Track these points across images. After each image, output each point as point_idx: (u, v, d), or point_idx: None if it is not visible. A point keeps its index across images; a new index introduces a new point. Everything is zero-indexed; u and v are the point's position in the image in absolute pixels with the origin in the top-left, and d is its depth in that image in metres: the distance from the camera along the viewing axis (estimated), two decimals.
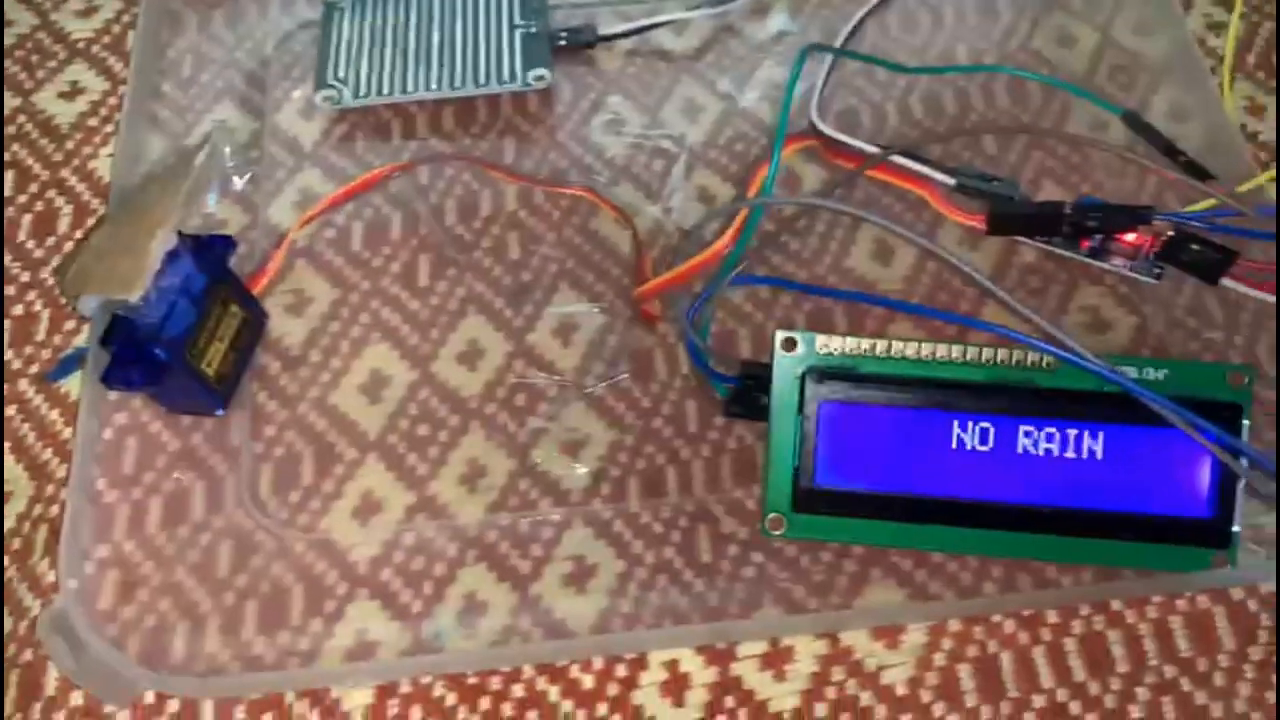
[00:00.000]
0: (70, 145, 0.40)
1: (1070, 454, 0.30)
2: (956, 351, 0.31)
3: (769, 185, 0.33)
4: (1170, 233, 0.35)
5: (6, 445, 0.34)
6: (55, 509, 0.33)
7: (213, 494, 0.33)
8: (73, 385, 0.35)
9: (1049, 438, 0.30)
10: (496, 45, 0.40)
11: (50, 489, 0.33)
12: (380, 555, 0.32)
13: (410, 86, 0.39)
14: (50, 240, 0.38)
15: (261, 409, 0.34)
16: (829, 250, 0.37)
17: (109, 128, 0.40)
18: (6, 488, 0.33)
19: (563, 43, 0.41)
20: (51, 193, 0.39)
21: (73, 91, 0.41)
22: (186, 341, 0.31)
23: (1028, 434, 0.31)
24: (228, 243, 0.33)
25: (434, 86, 0.39)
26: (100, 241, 0.31)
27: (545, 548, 0.32)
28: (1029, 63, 0.41)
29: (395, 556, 0.32)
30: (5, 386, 0.35)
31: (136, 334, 0.31)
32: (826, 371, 0.31)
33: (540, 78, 0.39)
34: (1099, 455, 0.30)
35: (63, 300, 0.36)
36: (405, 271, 0.37)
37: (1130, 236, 0.35)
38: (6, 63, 0.42)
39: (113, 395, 0.34)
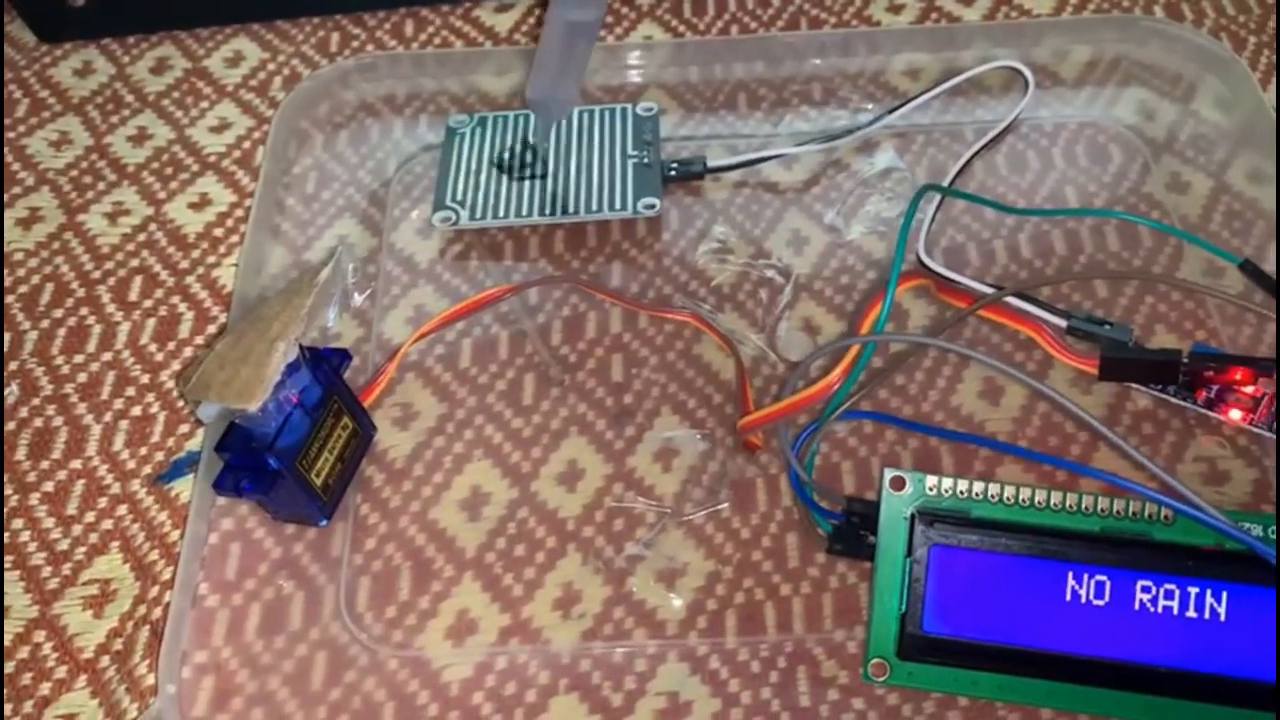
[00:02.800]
0: (196, 254, 0.41)
1: (1191, 613, 0.29)
2: (1071, 499, 0.30)
3: (882, 322, 0.33)
4: None
5: (115, 545, 0.35)
6: (158, 611, 0.33)
7: (311, 604, 0.33)
8: (183, 488, 0.36)
9: (1168, 594, 0.29)
10: (609, 174, 0.41)
11: (155, 590, 0.34)
12: (472, 678, 0.32)
13: (525, 211, 0.40)
14: (170, 345, 0.39)
15: (363, 520, 0.35)
16: (935, 387, 0.36)
17: (234, 238, 0.42)
18: (113, 586, 0.34)
19: (673, 174, 0.42)
20: (175, 299, 0.40)
21: (201, 203, 0.43)
22: (299, 451, 0.32)
23: (1145, 589, 0.30)
24: (344, 356, 0.34)
25: (548, 212, 0.40)
26: (223, 349, 0.32)
27: (639, 680, 0.32)
28: (1140, 207, 0.41)
29: (487, 680, 0.32)
30: (119, 486, 0.36)
31: (251, 442, 0.31)
32: (937, 514, 0.30)
33: (650, 206, 0.40)
34: (1221, 616, 0.29)
35: (180, 404, 0.37)
36: (510, 389, 0.37)
37: (1249, 388, 0.34)
38: (143, 174, 0.44)
39: (221, 500, 0.35)
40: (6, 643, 0.33)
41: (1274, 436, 0.34)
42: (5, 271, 0.41)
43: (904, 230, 0.36)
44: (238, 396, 0.31)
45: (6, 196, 0.43)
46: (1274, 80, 0.45)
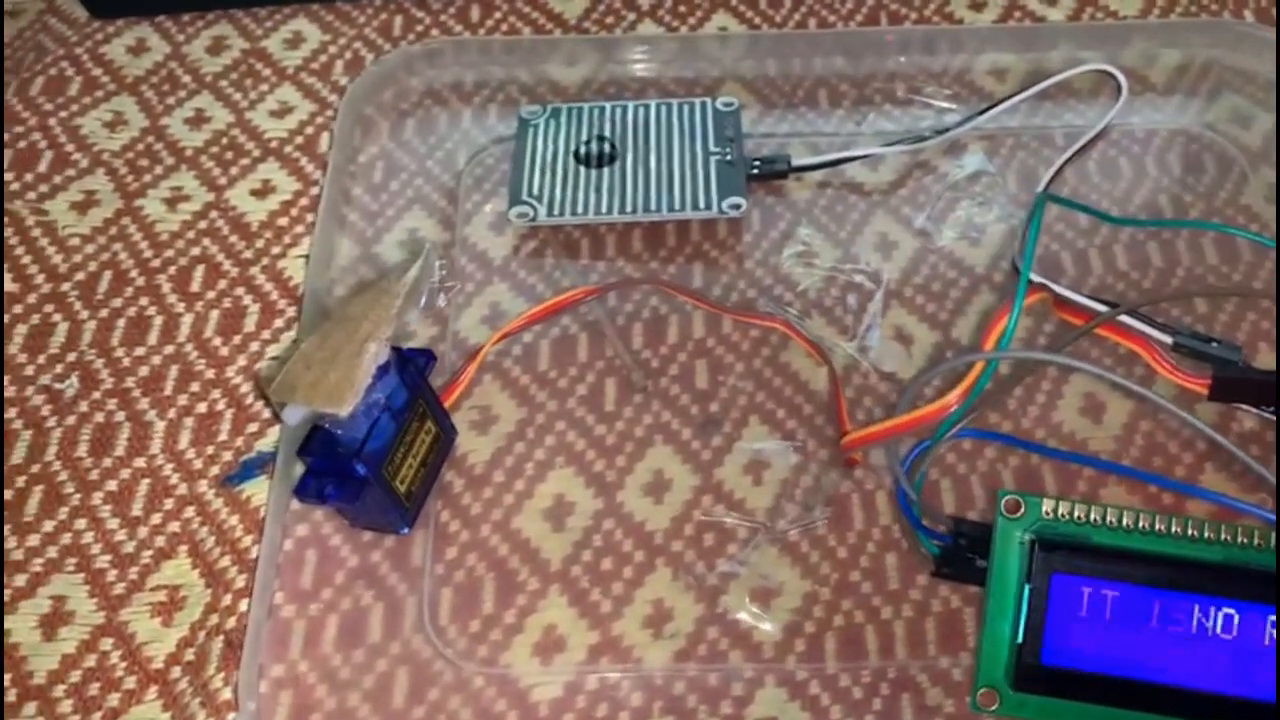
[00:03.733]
0: (260, 244, 0.40)
1: None
2: (1193, 527, 0.29)
3: (1007, 339, 0.32)
4: None
5: (183, 549, 0.33)
6: (231, 620, 0.32)
7: (391, 616, 0.32)
8: (253, 490, 0.34)
9: None
10: (691, 171, 0.39)
11: (228, 599, 0.32)
12: (562, 698, 0.31)
13: (604, 208, 0.39)
14: (236, 338, 0.38)
15: (444, 529, 0.33)
16: (1035, 403, 0.35)
17: (299, 228, 0.40)
18: (182, 593, 0.33)
19: (756, 171, 0.40)
20: (240, 290, 0.39)
21: (264, 190, 0.41)
22: (384, 457, 0.31)
23: (1274, 624, 0.28)
24: (429, 357, 0.33)
25: (628, 209, 0.38)
26: (309, 349, 0.30)
27: (736, 706, 0.30)
28: (1238, 219, 0.40)
29: (578, 701, 0.30)
30: (186, 487, 0.34)
31: (337, 447, 0.30)
32: (1057, 541, 0.29)
33: (736, 206, 0.38)
34: None
35: (249, 402, 0.36)
36: (591, 394, 0.36)
37: None
38: (202, 158, 0.42)
39: (295, 505, 0.33)
40: (71, 649, 0.32)
41: None
42: (60, 258, 0.40)
43: (1031, 241, 0.34)
44: (327, 399, 0.29)
45: (60, 178, 0.42)
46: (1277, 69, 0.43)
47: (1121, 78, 0.42)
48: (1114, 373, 0.33)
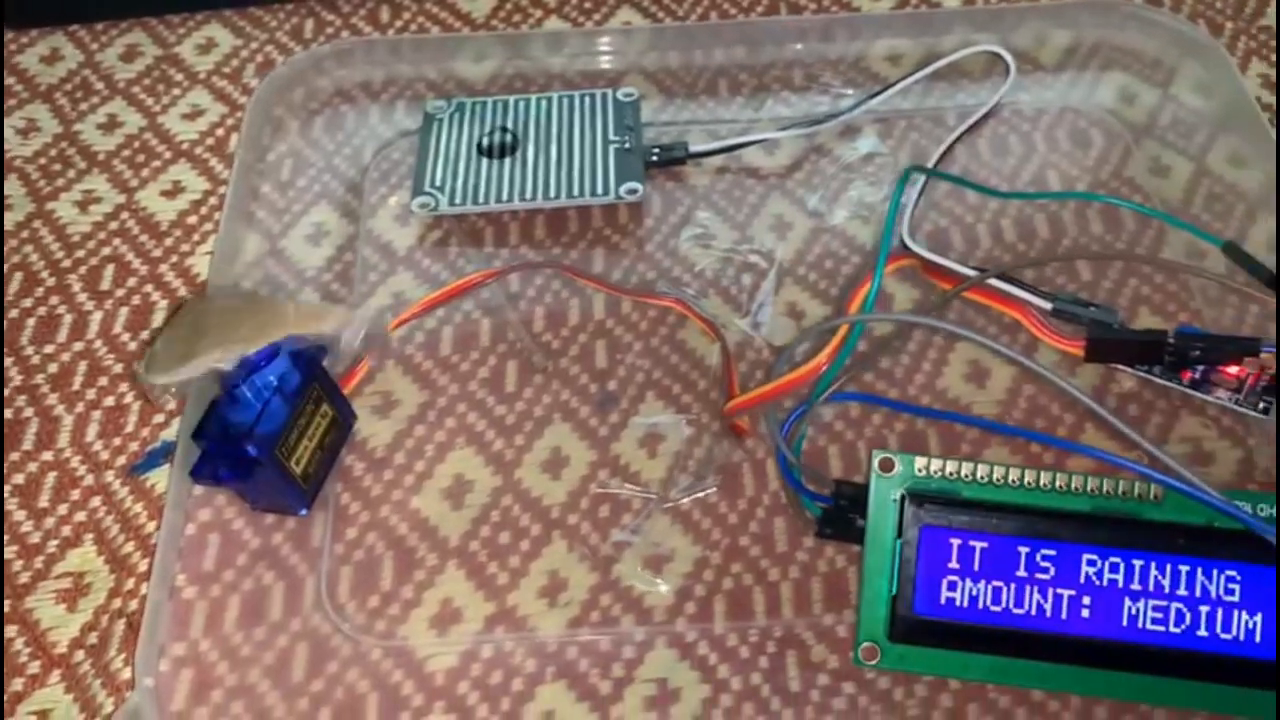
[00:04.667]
0: (169, 242, 0.41)
1: (1182, 591, 0.29)
2: (1061, 479, 0.30)
3: (870, 303, 0.33)
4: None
5: (89, 537, 0.34)
6: (134, 604, 0.32)
7: (291, 595, 0.32)
8: (158, 478, 0.35)
9: (1160, 573, 0.29)
10: (590, 159, 0.40)
11: (130, 583, 0.33)
12: (457, 667, 0.31)
13: (505, 196, 0.40)
14: (144, 334, 0.38)
15: (344, 510, 0.34)
16: (921, 370, 0.36)
17: (208, 226, 0.41)
18: (86, 579, 0.33)
19: (655, 159, 0.41)
20: (149, 287, 0.39)
21: (174, 190, 0.42)
22: (278, 439, 0.31)
23: (1138, 568, 0.29)
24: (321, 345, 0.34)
25: (528, 197, 0.39)
26: (179, 330, 0.31)
27: (627, 668, 0.31)
28: (1122, 191, 0.41)
29: (473, 669, 0.31)
30: (93, 478, 0.35)
31: (229, 429, 0.31)
32: (926, 495, 0.30)
33: (633, 191, 0.39)
34: (1212, 594, 0.29)
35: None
36: (493, 377, 0.37)
37: (1234, 369, 0.34)
38: (114, 162, 0.43)
39: (197, 490, 0.34)
40: None
41: (1259, 416, 0.34)
42: None
43: (892, 210, 0.36)
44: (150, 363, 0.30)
45: None
46: (1251, 64, 0.45)
47: (1009, 57, 0.43)
48: (983, 335, 0.35)
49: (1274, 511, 0.29)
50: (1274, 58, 0.45)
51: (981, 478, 0.30)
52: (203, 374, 0.32)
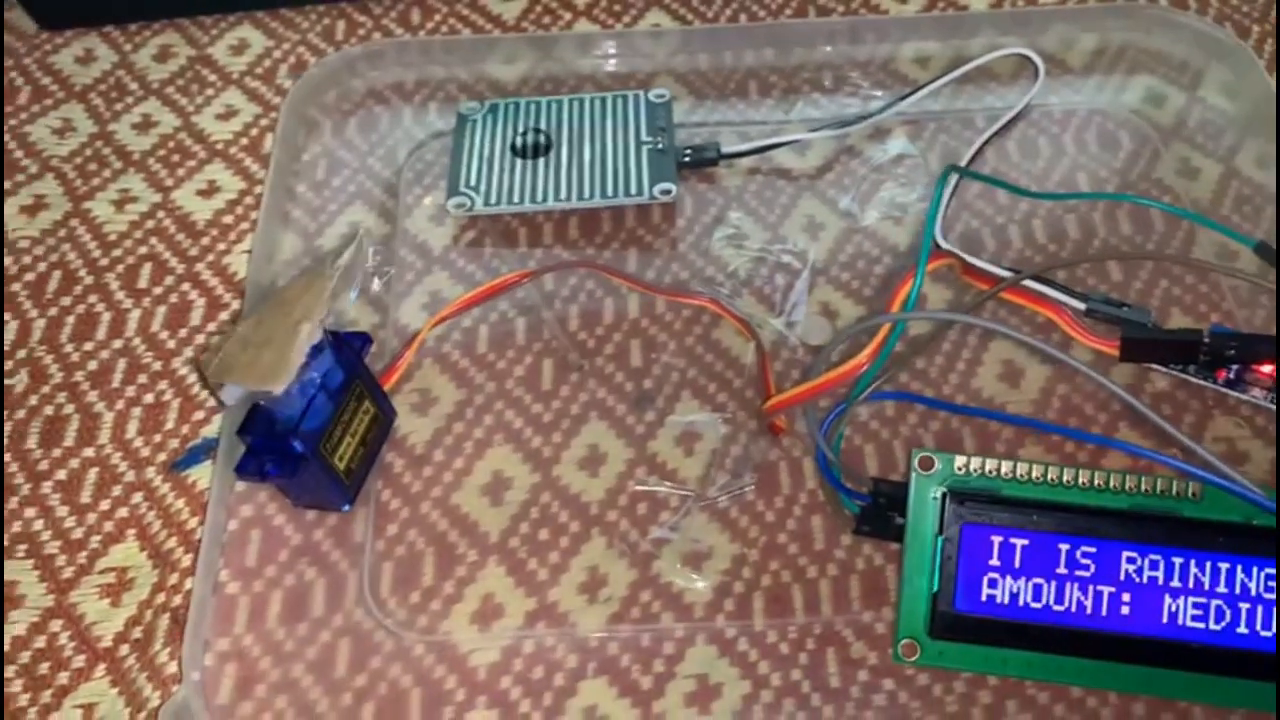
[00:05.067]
0: (205, 241, 0.41)
1: (1221, 588, 0.29)
2: (1100, 478, 0.30)
3: (912, 301, 0.33)
4: None
5: (131, 533, 0.34)
6: (178, 599, 0.33)
7: (333, 591, 0.33)
8: (199, 475, 0.35)
9: (1201, 571, 0.29)
10: (624, 160, 0.41)
11: (174, 578, 0.33)
12: (499, 662, 0.32)
13: (539, 197, 0.40)
14: (182, 331, 0.39)
15: (385, 506, 0.34)
16: (955, 370, 0.37)
17: (244, 225, 0.41)
18: (130, 575, 0.33)
19: (687, 159, 0.41)
20: (186, 285, 0.40)
21: (210, 190, 0.43)
22: (322, 435, 0.32)
23: (1177, 566, 0.30)
24: (365, 339, 0.34)
25: (563, 197, 0.40)
26: (245, 332, 0.31)
27: (668, 663, 0.31)
28: (1151, 192, 0.41)
29: (515, 664, 0.32)
30: (134, 474, 0.35)
31: (275, 425, 0.31)
32: (967, 493, 0.30)
33: (666, 191, 0.40)
34: (1253, 591, 0.29)
35: (194, 391, 0.37)
36: (529, 375, 0.37)
37: (1268, 368, 0.35)
38: (149, 161, 0.43)
39: (240, 487, 0.34)
40: (22, 632, 0.33)
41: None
42: (10, 260, 0.41)
43: (933, 210, 0.36)
44: (262, 379, 0.30)
45: (9, 184, 0.43)
46: (1276, 67, 0.45)
47: (1038, 60, 0.44)
48: (1019, 332, 0.35)
49: None
50: None
51: (1021, 476, 0.31)
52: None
